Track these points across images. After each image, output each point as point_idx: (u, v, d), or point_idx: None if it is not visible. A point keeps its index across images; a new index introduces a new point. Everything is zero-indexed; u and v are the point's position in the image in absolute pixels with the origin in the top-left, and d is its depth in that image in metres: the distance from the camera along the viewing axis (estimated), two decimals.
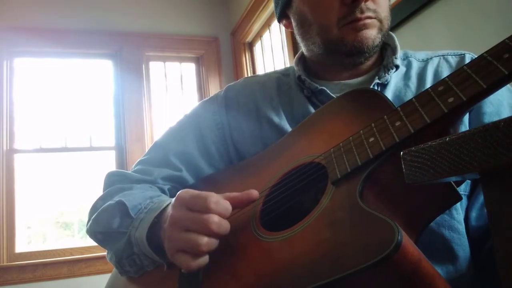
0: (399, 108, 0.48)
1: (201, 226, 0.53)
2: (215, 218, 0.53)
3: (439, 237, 0.60)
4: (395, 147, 0.46)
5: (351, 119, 0.56)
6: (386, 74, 0.70)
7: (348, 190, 0.48)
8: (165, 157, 0.78)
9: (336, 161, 0.52)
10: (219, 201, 0.54)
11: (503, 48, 0.39)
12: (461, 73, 0.42)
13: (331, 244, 0.45)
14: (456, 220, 0.61)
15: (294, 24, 0.77)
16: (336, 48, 0.70)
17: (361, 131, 0.51)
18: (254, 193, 0.57)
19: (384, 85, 0.70)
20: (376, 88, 0.69)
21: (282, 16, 0.80)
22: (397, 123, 0.47)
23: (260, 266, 0.51)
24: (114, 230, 0.68)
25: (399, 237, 0.38)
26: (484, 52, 0.40)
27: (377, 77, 0.70)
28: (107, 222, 0.69)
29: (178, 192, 0.58)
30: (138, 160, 0.82)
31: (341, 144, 0.53)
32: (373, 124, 0.50)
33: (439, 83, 0.44)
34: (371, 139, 0.49)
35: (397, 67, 0.71)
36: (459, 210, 0.62)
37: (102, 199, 0.74)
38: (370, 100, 0.56)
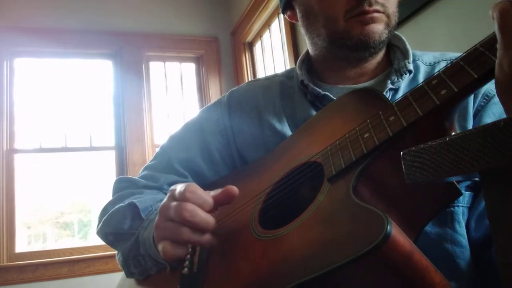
0: (393, 104, 0.48)
1: (176, 214, 0.54)
2: (188, 205, 0.54)
3: (442, 252, 0.59)
4: (389, 141, 0.46)
5: (349, 118, 0.56)
6: (400, 79, 0.68)
7: (342, 185, 0.48)
8: (170, 164, 0.78)
9: (332, 158, 0.52)
10: (195, 191, 0.55)
11: (495, 38, 0.38)
12: (455, 65, 0.42)
13: (323, 239, 0.45)
14: (459, 233, 0.60)
15: (299, 15, 0.76)
16: (341, 41, 0.69)
17: (357, 127, 0.51)
18: (233, 188, 0.57)
19: (396, 90, 0.69)
20: (389, 93, 0.68)
21: (287, 7, 0.79)
22: (391, 118, 0.47)
23: (256, 264, 0.51)
24: (124, 231, 0.68)
25: (388, 228, 0.38)
26: (477, 43, 0.41)
27: (390, 82, 0.68)
28: (118, 223, 0.69)
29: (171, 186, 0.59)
30: (145, 165, 0.83)
31: (337, 141, 0.53)
32: (368, 120, 0.50)
33: (433, 77, 0.44)
34: (366, 135, 0.49)
35: (410, 72, 0.69)
36: (461, 223, 0.61)
37: (112, 203, 0.75)
38: (368, 98, 0.56)
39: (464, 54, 0.42)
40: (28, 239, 2.68)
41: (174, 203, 0.55)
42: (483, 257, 0.62)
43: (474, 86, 0.41)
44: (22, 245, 2.57)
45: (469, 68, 0.40)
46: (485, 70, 0.39)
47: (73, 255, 2.56)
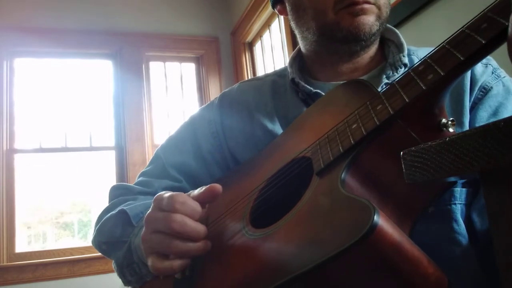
0: (381, 93, 0.48)
1: (164, 226, 0.53)
2: (177, 217, 0.52)
3: (440, 252, 0.56)
4: (377, 130, 0.45)
5: (339, 111, 0.55)
6: (395, 73, 0.67)
7: (331, 178, 0.47)
8: (164, 169, 0.78)
9: (320, 151, 0.51)
10: (186, 202, 0.54)
11: (481, 19, 0.38)
12: (440, 49, 0.42)
13: (311, 234, 0.44)
14: (457, 233, 0.59)
15: (288, 9, 0.75)
16: (331, 34, 0.67)
17: (346, 119, 0.50)
18: (216, 186, 0.56)
19: None
20: (384, 88, 0.66)
21: (277, 1, 0.78)
22: (379, 107, 0.46)
23: (248, 264, 0.51)
24: (116, 239, 0.68)
25: (374, 218, 0.36)
26: (463, 26, 0.40)
27: (385, 76, 0.67)
28: (109, 231, 0.69)
29: (156, 194, 0.58)
30: (141, 171, 0.83)
31: (326, 134, 0.53)
32: (356, 111, 0.49)
33: (419, 63, 0.44)
34: (354, 126, 0.48)
35: (405, 65, 0.68)
36: (459, 222, 0.59)
37: (106, 211, 0.74)
38: (357, 90, 0.55)
39: (450, 37, 0.41)
40: (28, 239, 2.68)
41: (160, 214, 0.54)
42: (489, 251, 0.60)
43: (461, 68, 0.40)
44: (22, 245, 2.57)
45: (455, 50, 0.40)
46: (471, 51, 0.38)
47: (73, 255, 2.56)
